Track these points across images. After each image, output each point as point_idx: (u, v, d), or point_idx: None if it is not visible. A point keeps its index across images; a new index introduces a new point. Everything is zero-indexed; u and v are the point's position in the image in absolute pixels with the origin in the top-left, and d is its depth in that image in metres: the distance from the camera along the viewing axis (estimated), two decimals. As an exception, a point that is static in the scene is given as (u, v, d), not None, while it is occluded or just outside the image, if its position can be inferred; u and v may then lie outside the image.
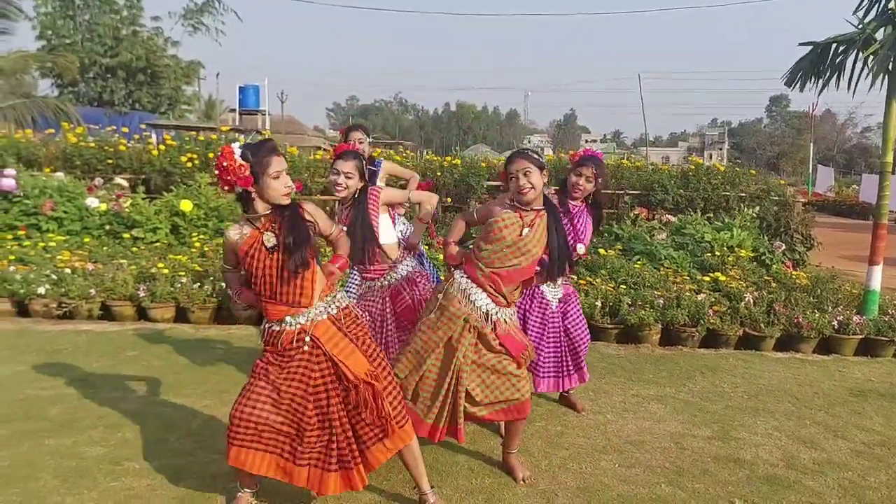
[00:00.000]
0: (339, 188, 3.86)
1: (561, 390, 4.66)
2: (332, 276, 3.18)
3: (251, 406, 3.04)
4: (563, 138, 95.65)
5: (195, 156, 10.22)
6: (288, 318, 3.03)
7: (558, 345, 4.54)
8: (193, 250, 7.99)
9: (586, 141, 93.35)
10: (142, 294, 6.70)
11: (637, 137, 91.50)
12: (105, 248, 8.15)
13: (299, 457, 3.03)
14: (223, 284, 6.80)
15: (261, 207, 2.97)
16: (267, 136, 3.38)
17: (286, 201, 2.99)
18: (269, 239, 2.95)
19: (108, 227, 8.84)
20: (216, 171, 2.96)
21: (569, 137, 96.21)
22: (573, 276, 5.07)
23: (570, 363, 4.59)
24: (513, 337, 3.46)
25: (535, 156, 3.40)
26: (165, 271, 7.01)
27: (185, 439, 4.06)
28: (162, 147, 10.60)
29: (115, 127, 12.64)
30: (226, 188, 2.94)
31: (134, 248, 8.14)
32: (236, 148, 2.91)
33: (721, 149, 77.37)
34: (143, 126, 14.73)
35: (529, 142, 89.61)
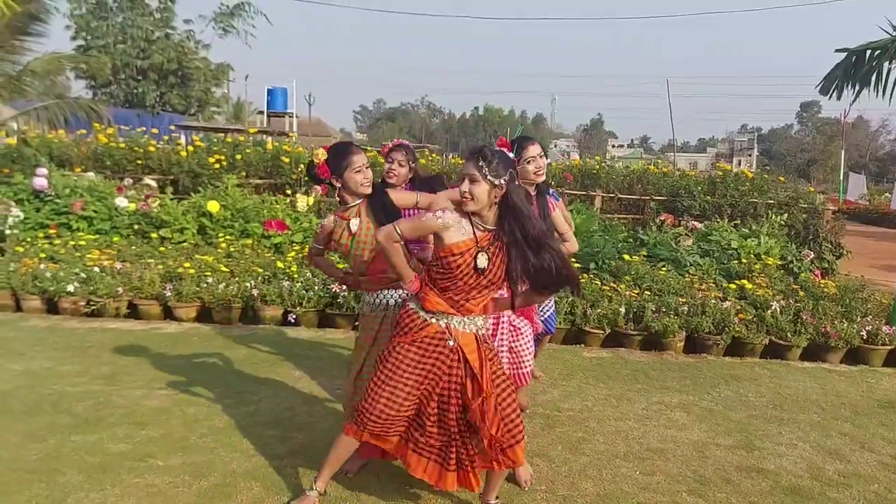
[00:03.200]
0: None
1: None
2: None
3: (384, 401, 3.07)
4: (589, 143, 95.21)
5: (223, 157, 10.31)
6: (442, 316, 3.06)
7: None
8: (220, 251, 8.06)
9: (613, 146, 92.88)
10: (168, 293, 6.78)
11: (665, 143, 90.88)
12: (133, 247, 8.25)
13: (421, 447, 3.14)
14: (248, 284, 6.86)
15: (491, 220, 3.00)
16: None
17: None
18: (482, 260, 2.98)
19: (136, 227, 8.95)
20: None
21: (596, 142, 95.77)
22: None
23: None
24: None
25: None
26: (192, 271, 7.09)
27: (207, 437, 4.10)
28: (190, 148, 10.72)
29: (145, 128, 12.81)
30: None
31: (161, 248, 8.22)
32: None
33: (750, 155, 76.50)
34: (172, 127, 14.91)
35: (556, 146, 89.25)
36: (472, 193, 2.90)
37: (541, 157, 4.06)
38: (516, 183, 2.99)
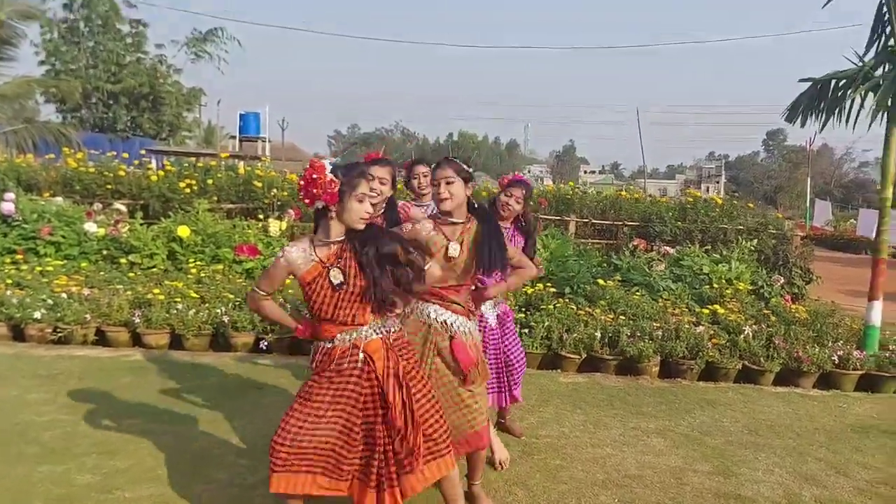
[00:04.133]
0: (372, 195, 3.56)
1: (499, 407, 4.56)
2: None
3: (294, 431, 2.99)
4: (562, 169, 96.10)
5: (194, 181, 10.23)
6: (339, 335, 3.02)
7: (498, 362, 4.44)
8: (190, 276, 7.94)
9: (585, 171, 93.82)
10: (137, 320, 6.65)
11: (635, 169, 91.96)
12: (102, 273, 8.10)
13: (343, 472, 3.01)
14: (219, 311, 6.75)
15: (335, 232, 3.00)
16: (356, 161, 3.42)
17: (361, 226, 2.99)
18: (336, 276, 2.96)
19: (105, 253, 8.80)
20: (302, 183, 2.97)
21: (568, 168, 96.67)
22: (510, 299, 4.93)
23: (507, 381, 4.50)
24: (466, 349, 3.36)
25: (461, 165, 3.32)
26: (161, 297, 6.97)
27: (176, 467, 4.00)
28: (161, 173, 10.61)
29: (116, 153, 12.66)
30: (307, 202, 2.96)
31: (131, 274, 8.08)
32: (327, 164, 2.96)
33: (718, 182, 77.64)
34: (142, 152, 14.76)
35: (529, 172, 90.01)
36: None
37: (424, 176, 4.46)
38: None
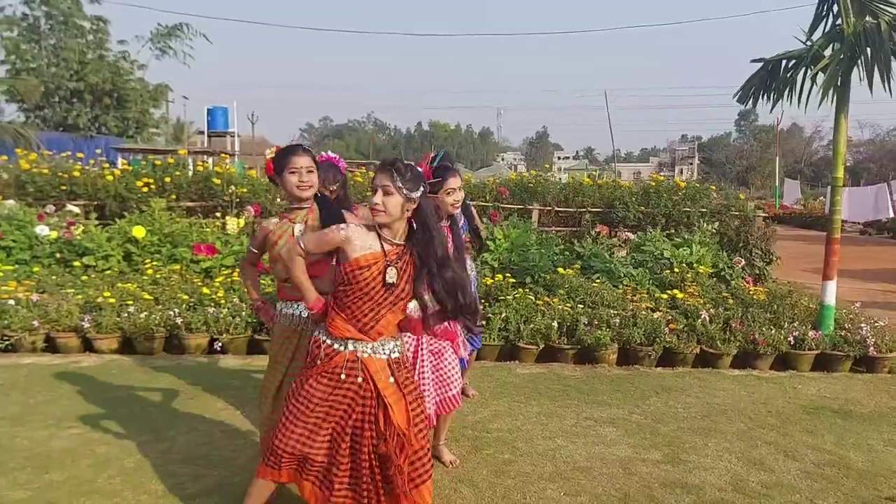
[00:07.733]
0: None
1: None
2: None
3: (296, 438, 2.92)
4: (536, 155, 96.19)
5: (151, 180, 10.03)
6: (351, 343, 2.91)
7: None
8: (145, 278, 7.80)
9: (559, 157, 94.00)
10: (87, 325, 6.51)
11: (609, 154, 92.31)
12: (54, 277, 7.94)
13: (336, 490, 2.92)
14: (172, 313, 6.62)
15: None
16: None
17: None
18: (391, 275, 2.93)
19: (58, 256, 8.62)
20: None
21: (542, 154, 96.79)
22: None
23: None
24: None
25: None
26: (112, 300, 6.82)
27: (115, 479, 3.90)
28: (117, 172, 10.40)
29: (84, 153, 12.40)
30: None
31: (84, 277, 7.92)
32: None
33: (691, 163, 78.09)
34: (98, 151, 14.45)
35: (503, 159, 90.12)
36: (385, 205, 2.82)
37: (460, 189, 4.16)
38: (427, 198, 2.95)
